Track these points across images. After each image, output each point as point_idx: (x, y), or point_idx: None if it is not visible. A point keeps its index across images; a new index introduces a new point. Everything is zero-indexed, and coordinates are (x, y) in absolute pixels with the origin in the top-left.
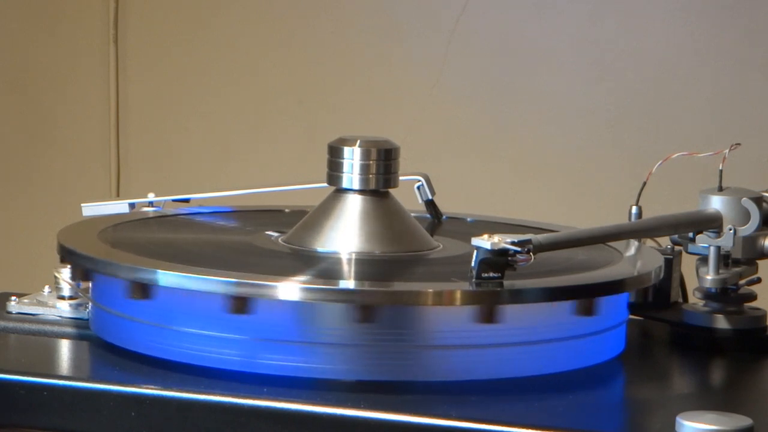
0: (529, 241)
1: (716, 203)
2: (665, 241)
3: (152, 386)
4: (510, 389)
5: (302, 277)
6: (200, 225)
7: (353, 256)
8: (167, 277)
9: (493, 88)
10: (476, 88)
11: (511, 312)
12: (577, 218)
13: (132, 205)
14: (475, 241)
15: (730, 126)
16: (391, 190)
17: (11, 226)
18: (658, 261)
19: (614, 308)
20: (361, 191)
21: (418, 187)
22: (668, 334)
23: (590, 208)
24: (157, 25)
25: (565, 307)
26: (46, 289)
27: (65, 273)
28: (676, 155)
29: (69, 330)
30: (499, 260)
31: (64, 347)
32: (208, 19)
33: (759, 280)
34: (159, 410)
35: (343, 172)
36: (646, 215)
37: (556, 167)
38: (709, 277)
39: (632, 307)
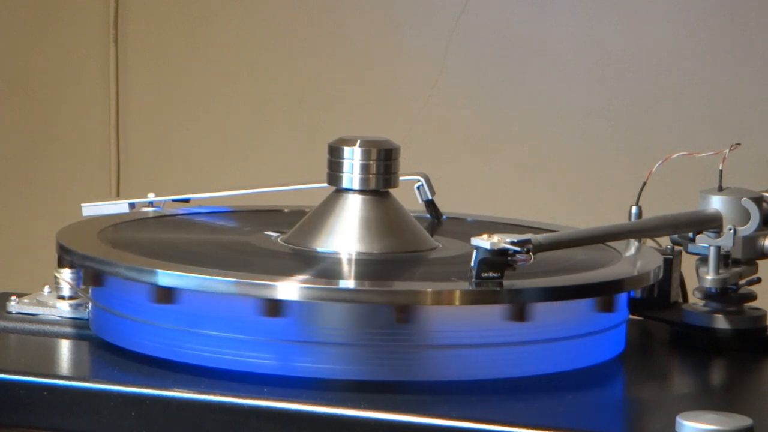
0: (528, 241)
1: (716, 203)
2: (665, 241)
3: (152, 386)
4: (510, 389)
5: (302, 277)
6: (200, 225)
7: (353, 256)
8: (167, 278)
9: (493, 88)
10: (476, 88)
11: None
12: (577, 218)
13: (132, 205)
14: (475, 241)
15: (730, 126)
16: (391, 190)
17: (11, 226)
18: (658, 261)
19: (614, 308)
20: (361, 191)
21: (418, 187)
22: (668, 334)
23: (590, 208)
24: (157, 25)
25: (564, 307)
26: (46, 289)
27: (65, 273)
28: (676, 155)
29: (69, 330)
30: (498, 260)
31: (64, 347)
32: (207, 19)
33: (759, 280)
34: (159, 410)
35: (343, 172)
36: (646, 215)
37: (556, 167)
38: (709, 277)
39: (632, 307)
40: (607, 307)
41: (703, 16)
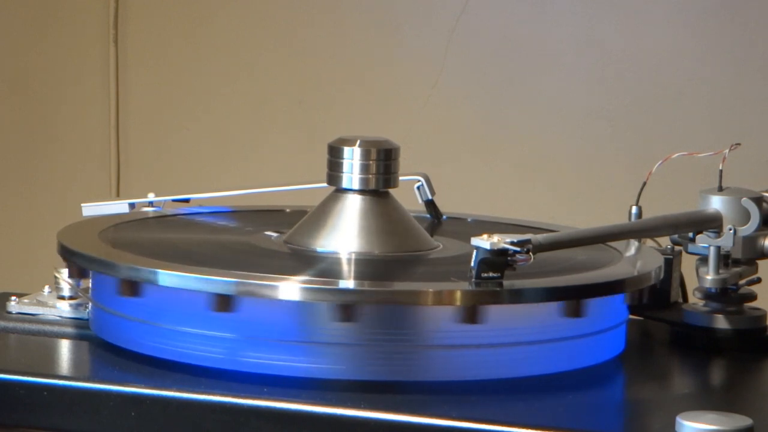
0: (528, 241)
1: (716, 203)
2: (665, 241)
3: (152, 386)
4: (510, 389)
5: (302, 277)
6: (200, 225)
7: (353, 256)
8: (167, 277)
9: (493, 88)
10: (476, 88)
11: (511, 312)
12: (577, 218)
13: (132, 205)
14: (475, 241)
15: (730, 126)
16: (391, 190)
17: (11, 226)
18: (658, 261)
19: (614, 308)
20: (361, 191)
21: (418, 187)
22: (668, 334)
23: (590, 208)
24: (157, 25)
25: (564, 307)
26: (46, 289)
27: (65, 273)
28: (676, 155)
29: (69, 330)
30: (498, 260)
31: (64, 347)
32: (207, 19)
33: (759, 280)
34: (159, 410)
35: (343, 172)
36: (646, 215)
37: (556, 167)
38: (709, 277)
39: (632, 307)
40: (607, 307)
41: (703, 16)
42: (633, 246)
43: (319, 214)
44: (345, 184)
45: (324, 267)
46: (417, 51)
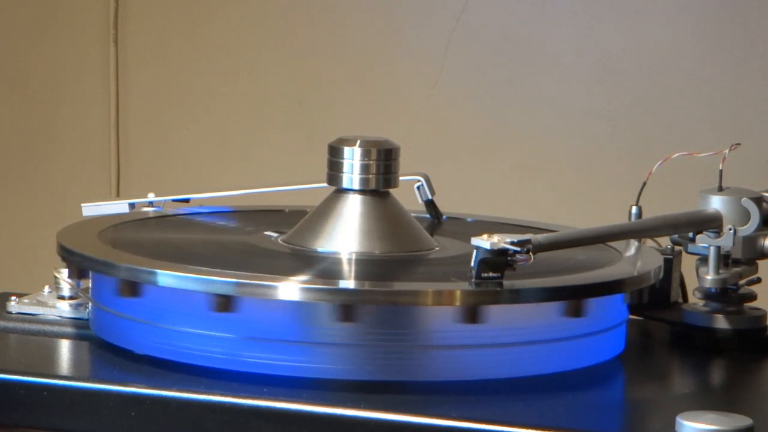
0: (528, 241)
1: (716, 203)
2: (665, 241)
3: (152, 386)
4: (510, 389)
5: (302, 277)
6: (200, 225)
7: (353, 256)
8: (167, 278)
9: (493, 88)
10: (476, 88)
11: (511, 312)
12: (577, 218)
13: (132, 205)
14: (475, 241)
15: (730, 126)
16: (391, 190)
17: (11, 226)
18: (658, 261)
19: (614, 308)
20: (361, 191)
21: (418, 187)
22: (668, 334)
23: (590, 208)
24: (157, 25)
25: (564, 307)
26: (46, 289)
27: (65, 273)
28: (676, 155)
29: (69, 330)
30: (498, 260)
31: (64, 347)
32: (207, 19)
33: (759, 280)
34: (159, 410)
35: (343, 172)
36: (646, 215)
37: (556, 167)
38: (709, 277)
39: (632, 307)
40: (607, 307)
41: (703, 16)
42: (633, 246)
43: (319, 214)
44: (345, 184)
45: (324, 267)
46: (417, 51)
